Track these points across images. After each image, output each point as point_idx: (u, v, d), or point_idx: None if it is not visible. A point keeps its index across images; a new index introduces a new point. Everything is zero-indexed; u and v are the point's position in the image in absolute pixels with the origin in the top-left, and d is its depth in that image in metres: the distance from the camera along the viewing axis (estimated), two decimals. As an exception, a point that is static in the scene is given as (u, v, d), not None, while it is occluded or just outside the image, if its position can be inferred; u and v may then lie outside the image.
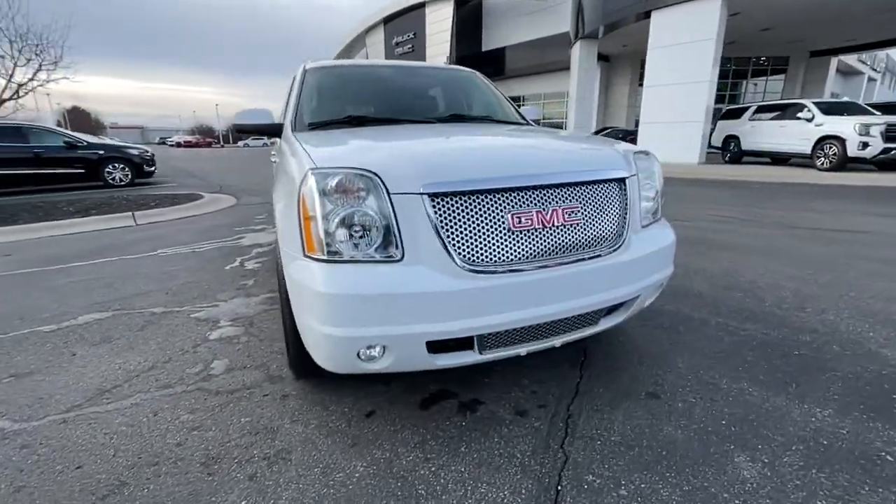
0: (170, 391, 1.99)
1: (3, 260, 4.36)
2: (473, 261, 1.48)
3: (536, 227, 1.54)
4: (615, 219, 1.72)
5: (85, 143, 9.96)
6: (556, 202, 1.58)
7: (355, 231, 1.45)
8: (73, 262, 4.15)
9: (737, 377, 2.00)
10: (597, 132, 19.13)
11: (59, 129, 10.22)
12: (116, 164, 10.44)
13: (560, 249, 1.59)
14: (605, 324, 1.85)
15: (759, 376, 2.00)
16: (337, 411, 1.84)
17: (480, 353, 1.61)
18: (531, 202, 1.54)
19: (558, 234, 1.59)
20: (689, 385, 1.95)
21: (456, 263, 1.45)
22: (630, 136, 15.94)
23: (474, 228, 1.48)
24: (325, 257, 1.46)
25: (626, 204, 1.76)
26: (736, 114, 14.11)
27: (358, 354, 1.48)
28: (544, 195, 1.57)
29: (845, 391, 1.87)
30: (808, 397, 1.84)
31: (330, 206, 1.45)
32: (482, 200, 1.50)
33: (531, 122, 2.95)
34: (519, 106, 3.13)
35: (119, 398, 1.95)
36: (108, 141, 11.56)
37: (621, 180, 1.76)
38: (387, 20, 34.16)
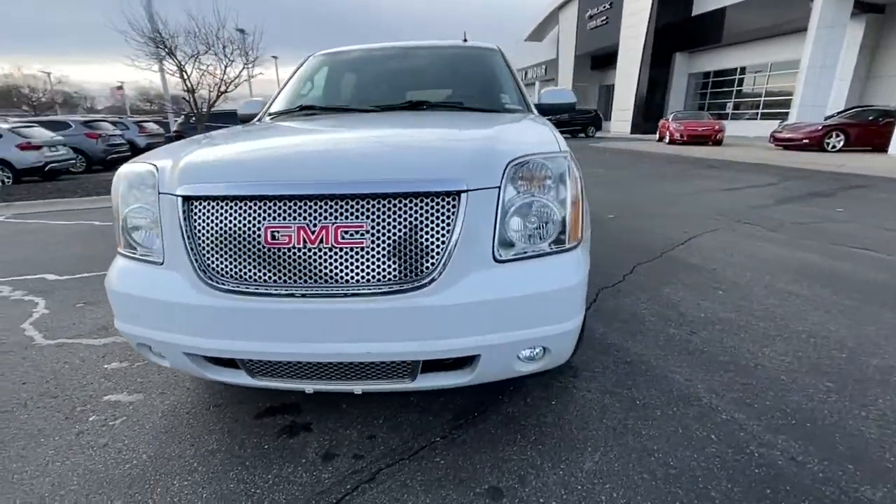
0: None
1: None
2: (215, 276, 1.30)
3: (297, 245, 1.24)
4: (427, 246, 1.26)
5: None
6: (330, 218, 1.24)
7: (140, 228, 1.44)
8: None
9: None
10: (842, 112, 14.15)
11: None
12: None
13: (329, 278, 1.25)
14: (430, 382, 1.41)
15: None
16: (194, 391, 1.92)
17: (252, 377, 1.43)
18: (293, 215, 1.25)
19: (329, 258, 1.25)
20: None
21: (198, 276, 1.30)
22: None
23: (221, 239, 1.29)
24: (120, 250, 1.51)
25: (456, 227, 1.26)
26: None
27: (146, 347, 1.49)
28: (315, 208, 1.24)
29: None
30: None
31: (121, 200, 1.47)
32: (234, 208, 1.29)
33: (524, 109, 2.37)
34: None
35: None
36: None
37: (449, 195, 1.27)
38: (582, -9, 31.82)
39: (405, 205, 1.24)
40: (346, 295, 1.24)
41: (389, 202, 1.24)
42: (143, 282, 1.39)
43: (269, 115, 2.46)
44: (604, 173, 9.26)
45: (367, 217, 1.24)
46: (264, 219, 1.26)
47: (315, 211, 1.24)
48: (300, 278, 1.26)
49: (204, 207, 1.31)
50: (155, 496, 1.40)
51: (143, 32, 9.17)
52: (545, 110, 2.58)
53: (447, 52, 2.80)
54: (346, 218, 1.23)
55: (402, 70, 2.74)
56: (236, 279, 1.29)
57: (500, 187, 1.30)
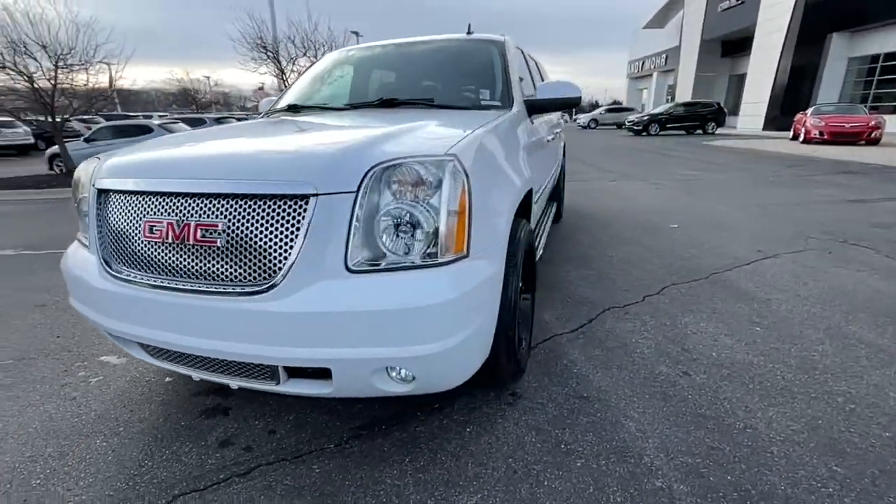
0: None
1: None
2: (111, 262, 1.43)
3: (167, 240, 1.31)
4: (272, 251, 1.22)
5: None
6: (194, 216, 1.28)
7: (85, 217, 1.65)
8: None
9: None
10: None
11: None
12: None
13: (189, 273, 1.30)
14: (295, 388, 1.37)
15: None
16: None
17: (152, 357, 1.54)
18: (165, 211, 1.31)
19: (190, 254, 1.29)
20: None
21: (101, 261, 1.44)
22: None
23: (117, 230, 1.41)
24: (77, 235, 1.74)
25: (300, 233, 1.20)
26: None
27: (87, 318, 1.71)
28: (182, 205, 1.29)
29: None
30: None
31: (76, 190, 1.69)
32: (126, 202, 1.40)
33: (503, 105, 2.16)
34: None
35: None
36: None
37: (295, 199, 1.21)
38: (715, -32, 28.05)
39: (254, 207, 1.23)
40: (197, 291, 1.27)
41: (240, 203, 1.24)
42: (78, 263, 1.59)
43: (269, 112, 2.61)
44: (698, 176, 8.11)
45: (222, 217, 1.25)
46: (145, 214, 1.34)
47: (182, 208, 1.29)
48: (168, 272, 1.32)
49: (108, 200, 1.45)
50: (75, 449, 1.60)
51: (257, 41, 10.39)
52: (541, 106, 2.34)
53: (443, 47, 2.68)
54: (205, 217, 1.26)
55: (392, 67, 2.71)
56: (126, 267, 1.40)
57: (356, 192, 1.21)
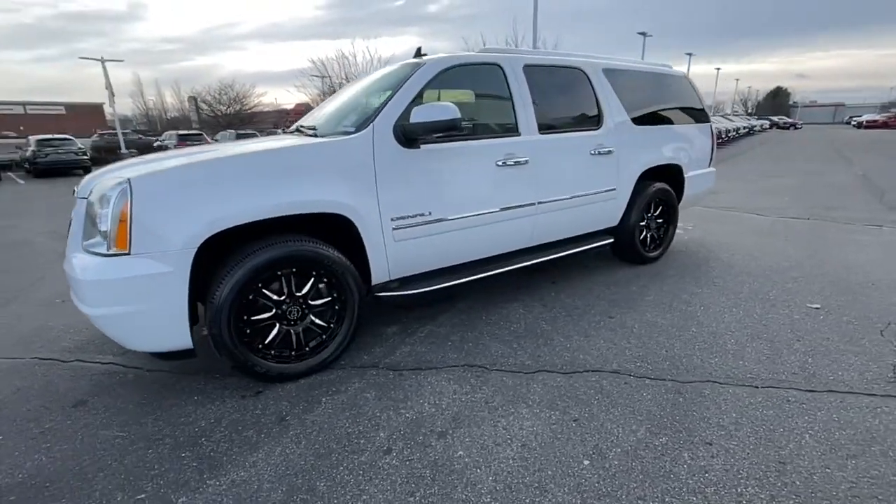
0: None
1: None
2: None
3: None
4: None
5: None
6: None
7: None
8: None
9: None
10: None
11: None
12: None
13: None
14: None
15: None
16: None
17: None
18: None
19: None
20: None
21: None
22: None
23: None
24: None
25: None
26: None
27: None
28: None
29: None
30: None
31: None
32: None
33: (355, 131, 2.36)
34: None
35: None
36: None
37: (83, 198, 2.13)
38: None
39: None
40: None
41: None
42: None
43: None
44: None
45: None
46: None
47: None
48: None
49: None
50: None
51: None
52: (412, 131, 2.31)
53: (381, 73, 3.07)
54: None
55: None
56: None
57: (86, 199, 2.03)
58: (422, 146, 2.39)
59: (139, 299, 1.81)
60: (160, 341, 1.92)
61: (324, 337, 2.26)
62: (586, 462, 1.61)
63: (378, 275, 2.37)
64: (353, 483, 1.53)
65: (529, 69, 2.91)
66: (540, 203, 2.91)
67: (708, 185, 4.37)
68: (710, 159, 4.33)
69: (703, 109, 4.21)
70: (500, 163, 2.69)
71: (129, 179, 1.79)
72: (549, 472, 1.56)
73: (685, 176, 3.96)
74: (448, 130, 2.31)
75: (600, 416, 1.84)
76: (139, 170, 1.95)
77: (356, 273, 2.26)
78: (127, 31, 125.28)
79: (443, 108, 2.27)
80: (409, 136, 2.33)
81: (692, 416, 1.84)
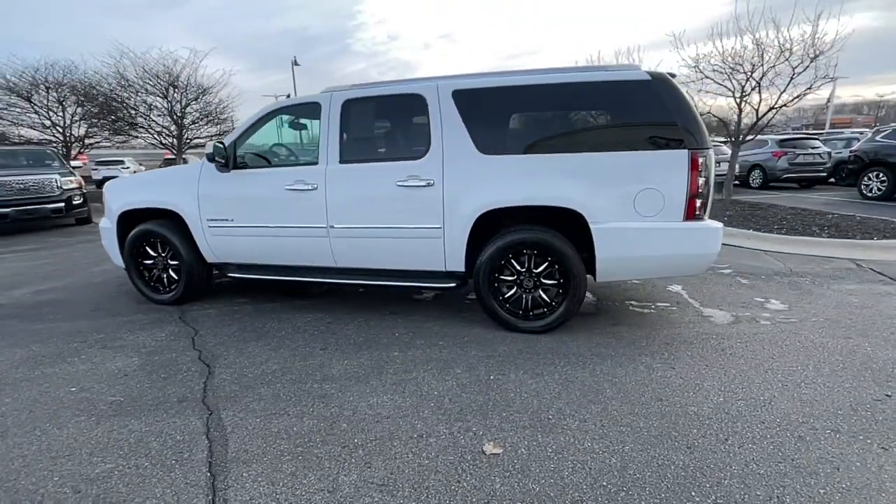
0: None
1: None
2: None
3: None
4: None
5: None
6: None
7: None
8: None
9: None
10: None
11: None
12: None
13: None
14: None
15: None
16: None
17: None
18: None
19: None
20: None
21: None
22: None
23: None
24: None
25: None
26: None
27: None
28: None
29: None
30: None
31: None
32: None
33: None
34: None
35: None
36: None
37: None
38: None
39: None
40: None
41: None
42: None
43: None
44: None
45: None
46: None
47: None
48: None
49: None
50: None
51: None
52: (241, 157, 3.47)
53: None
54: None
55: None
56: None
57: None
58: (232, 171, 3.39)
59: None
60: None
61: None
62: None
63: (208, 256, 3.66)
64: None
65: (349, 103, 3.12)
66: (332, 227, 3.15)
67: (679, 250, 2.75)
68: (687, 206, 2.67)
69: (676, 126, 2.65)
70: (288, 188, 3.21)
71: None
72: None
73: (594, 227, 2.71)
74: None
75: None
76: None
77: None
78: None
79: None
80: (237, 160, 3.43)
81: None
